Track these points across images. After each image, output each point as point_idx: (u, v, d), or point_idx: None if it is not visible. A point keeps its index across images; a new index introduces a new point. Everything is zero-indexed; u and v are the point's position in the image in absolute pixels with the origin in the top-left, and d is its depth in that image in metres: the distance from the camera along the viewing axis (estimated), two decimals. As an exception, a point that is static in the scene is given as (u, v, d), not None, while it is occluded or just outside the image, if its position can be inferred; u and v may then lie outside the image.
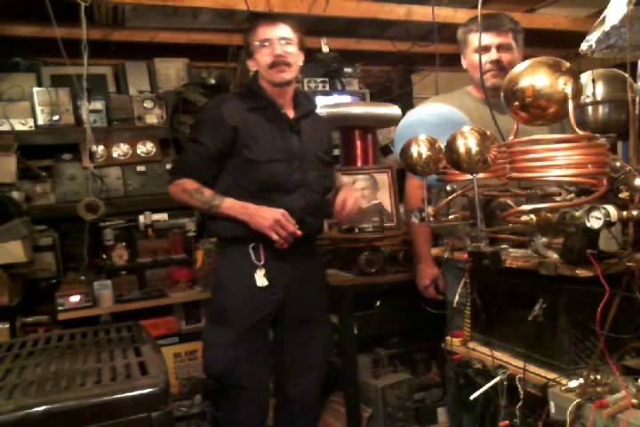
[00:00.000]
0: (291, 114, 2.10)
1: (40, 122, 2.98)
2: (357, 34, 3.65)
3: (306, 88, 3.46)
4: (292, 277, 2.05)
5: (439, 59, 2.20)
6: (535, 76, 1.19)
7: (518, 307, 1.38)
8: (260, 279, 1.99)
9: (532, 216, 1.21)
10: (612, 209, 1.08)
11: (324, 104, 2.74)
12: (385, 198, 2.53)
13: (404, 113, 2.17)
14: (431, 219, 1.45)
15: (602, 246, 1.15)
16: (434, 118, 1.63)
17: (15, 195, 2.69)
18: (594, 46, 1.64)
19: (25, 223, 2.59)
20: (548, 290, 1.28)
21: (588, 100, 1.51)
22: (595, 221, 1.10)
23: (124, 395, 1.21)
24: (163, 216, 3.07)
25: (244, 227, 1.96)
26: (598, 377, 1.16)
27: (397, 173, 2.54)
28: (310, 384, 2.17)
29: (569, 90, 1.17)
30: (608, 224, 1.09)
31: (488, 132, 1.22)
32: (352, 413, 2.49)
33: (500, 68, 2.08)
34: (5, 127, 2.91)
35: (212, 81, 3.30)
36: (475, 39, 2.08)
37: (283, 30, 2.00)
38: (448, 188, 1.48)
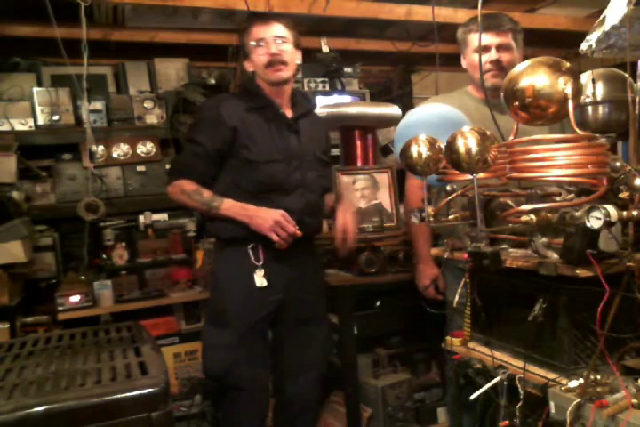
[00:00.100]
0: (289, 113, 2.09)
1: (40, 122, 2.98)
2: (357, 34, 3.65)
3: (306, 88, 3.46)
4: (290, 277, 2.05)
5: (439, 59, 2.20)
6: (535, 76, 1.19)
7: (518, 307, 1.38)
8: (260, 280, 1.99)
9: (532, 216, 1.21)
10: (612, 209, 1.08)
11: (324, 104, 2.75)
12: (385, 198, 2.53)
13: (404, 113, 2.17)
14: (431, 219, 1.45)
15: (602, 246, 1.15)
16: (434, 118, 1.63)
17: (15, 195, 2.69)
18: (594, 46, 1.64)
19: (25, 223, 2.59)
20: (548, 290, 1.28)
21: (588, 100, 1.51)
22: (595, 221, 1.10)
23: (123, 395, 1.21)
24: (163, 216, 3.07)
25: (243, 227, 1.95)
26: (598, 377, 1.16)
27: (397, 173, 2.54)
28: (309, 384, 2.17)
29: (569, 90, 1.17)
30: (608, 224, 1.09)
31: (488, 133, 1.22)
32: (352, 413, 2.49)
33: (500, 68, 2.08)
34: (5, 127, 2.91)
35: (212, 81, 3.30)
36: (474, 39, 2.08)
37: (277, 29, 2.00)
38: (448, 188, 1.48)
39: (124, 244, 2.94)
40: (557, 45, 3.71)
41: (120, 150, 3.11)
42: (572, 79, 1.18)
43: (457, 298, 1.58)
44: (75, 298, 2.66)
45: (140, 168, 3.14)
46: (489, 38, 2.08)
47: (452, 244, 1.54)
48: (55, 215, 2.96)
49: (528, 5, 3.48)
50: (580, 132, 1.20)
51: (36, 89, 3.00)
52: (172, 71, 3.38)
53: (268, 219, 1.91)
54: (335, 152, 2.90)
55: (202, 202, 1.98)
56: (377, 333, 2.63)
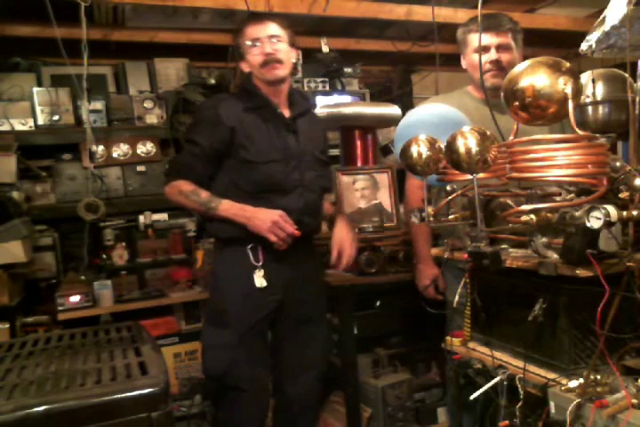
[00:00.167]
0: (287, 113, 2.09)
1: (40, 122, 2.98)
2: (357, 34, 3.65)
3: (306, 88, 3.46)
4: (290, 277, 2.05)
5: (439, 59, 2.20)
6: (535, 76, 1.19)
7: (518, 307, 1.38)
8: (259, 280, 1.98)
9: (532, 216, 1.21)
10: (612, 209, 1.08)
11: (324, 104, 2.75)
12: (385, 198, 2.53)
13: (404, 113, 2.17)
14: (431, 219, 1.45)
15: (602, 246, 1.15)
16: (434, 118, 1.63)
17: (15, 195, 2.69)
18: (594, 46, 1.64)
19: (25, 223, 2.59)
20: (548, 290, 1.28)
21: (588, 100, 1.51)
22: (595, 221, 1.10)
23: (123, 395, 1.21)
24: (163, 216, 3.06)
25: (242, 228, 1.95)
26: (598, 377, 1.16)
27: (397, 173, 2.54)
28: (309, 384, 2.16)
29: (569, 90, 1.17)
30: (608, 224, 1.09)
31: (488, 132, 1.22)
32: (352, 413, 2.49)
33: (500, 68, 2.08)
34: (5, 127, 2.91)
35: (212, 81, 3.30)
36: (474, 39, 2.08)
37: (271, 28, 1.99)
38: (448, 188, 1.48)
39: (123, 244, 2.94)
40: (557, 45, 3.71)
41: (120, 150, 3.11)
42: (572, 79, 1.18)
43: (457, 298, 1.58)
44: (75, 298, 2.66)
45: (140, 168, 3.14)
46: (489, 38, 2.07)
47: (452, 244, 1.54)
48: (55, 215, 2.96)
49: (528, 5, 3.49)
50: (580, 132, 1.20)
51: (35, 89, 3.00)
52: (171, 71, 3.38)
53: (266, 220, 1.91)
54: (335, 152, 2.91)
55: (199, 203, 1.97)
56: (377, 333, 2.63)
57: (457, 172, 1.30)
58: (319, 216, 2.18)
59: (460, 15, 3.09)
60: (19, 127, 2.94)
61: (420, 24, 3.21)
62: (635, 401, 1.08)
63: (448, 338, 1.59)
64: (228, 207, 1.96)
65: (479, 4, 1.44)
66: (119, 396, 1.20)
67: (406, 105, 3.85)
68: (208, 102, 2.19)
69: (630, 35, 1.50)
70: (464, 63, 2.21)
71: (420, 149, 1.38)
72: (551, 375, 1.26)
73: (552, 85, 1.17)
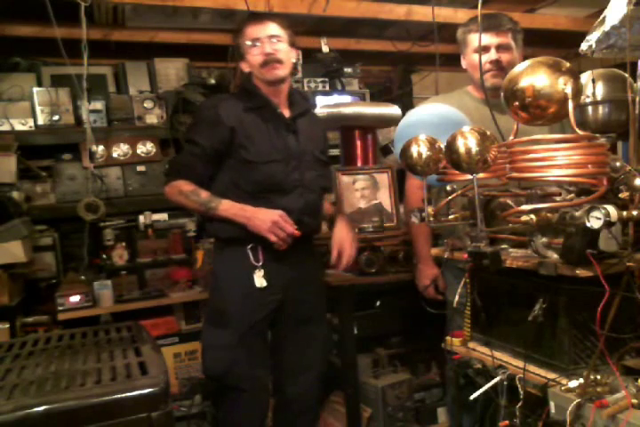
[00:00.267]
0: (287, 113, 2.09)
1: (40, 122, 2.98)
2: (357, 34, 3.65)
3: (306, 88, 3.46)
4: (290, 277, 2.05)
5: (439, 59, 2.20)
6: (535, 76, 1.19)
7: (518, 307, 1.38)
8: (259, 280, 1.98)
9: (532, 216, 1.21)
10: (612, 209, 1.08)
11: (324, 104, 2.75)
12: (385, 198, 2.53)
13: (404, 113, 2.17)
14: (431, 219, 1.45)
15: (602, 246, 1.15)
16: (434, 118, 1.63)
17: (15, 195, 2.69)
18: (594, 46, 1.64)
19: (25, 223, 2.59)
20: (548, 290, 1.28)
21: (588, 100, 1.51)
22: (595, 221, 1.10)
23: (123, 395, 1.21)
24: (163, 216, 3.07)
25: (242, 228, 1.95)
26: (598, 377, 1.16)
27: (397, 173, 2.54)
28: (309, 384, 2.16)
29: (569, 90, 1.17)
30: (608, 224, 1.09)
31: (488, 132, 1.22)
32: (352, 413, 2.49)
33: (500, 68, 2.08)
34: (5, 127, 2.91)
35: (212, 81, 3.30)
36: (474, 39, 2.08)
37: (271, 28, 1.99)
38: (448, 188, 1.48)
39: (123, 244, 2.94)
40: (557, 45, 3.71)
41: (120, 150, 3.11)
42: (572, 79, 1.18)
43: (457, 298, 1.58)
44: (75, 298, 2.66)
45: (140, 168, 3.14)
46: (489, 38, 2.07)
47: (452, 244, 1.54)
48: (55, 215, 2.96)
49: (528, 5, 3.49)
50: (580, 132, 1.20)
51: (35, 89, 3.00)
52: (171, 71, 3.38)
53: (266, 220, 1.91)
54: (335, 152, 2.90)
55: (199, 203, 1.97)
56: (377, 333, 2.63)
57: (457, 172, 1.30)
58: (319, 216, 2.18)
59: (459, 15, 3.09)
60: (19, 127, 2.94)
61: (420, 24, 3.21)
62: (635, 401, 1.08)
63: (448, 338, 1.59)
64: (227, 207, 1.96)
65: (479, 4, 1.44)
66: (119, 396, 1.20)
67: (406, 105, 3.85)
68: (208, 102, 2.18)
69: (630, 35, 1.50)
70: (464, 63, 2.21)
71: (420, 149, 1.38)
72: (551, 375, 1.26)
73: (552, 85, 1.17)
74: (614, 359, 1.21)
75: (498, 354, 1.43)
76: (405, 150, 1.41)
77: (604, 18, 1.59)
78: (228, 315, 2.01)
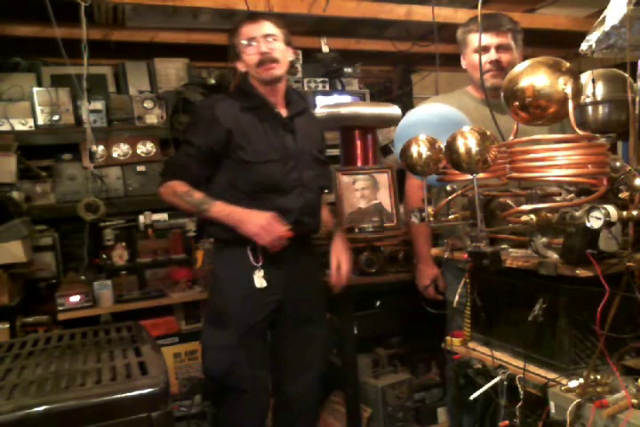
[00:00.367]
0: (284, 112, 2.08)
1: (40, 122, 2.97)
2: (357, 34, 3.65)
3: (306, 88, 3.46)
4: (289, 277, 2.05)
5: (439, 59, 2.20)
6: (535, 76, 1.19)
7: (518, 307, 1.38)
8: (259, 280, 1.98)
9: (532, 216, 1.21)
10: (612, 209, 1.08)
11: (324, 104, 2.75)
12: (385, 198, 2.53)
13: (404, 113, 2.17)
14: (431, 219, 1.45)
15: (602, 246, 1.15)
16: (434, 118, 1.63)
17: (15, 195, 2.69)
18: (594, 46, 1.64)
19: (25, 223, 2.59)
20: (548, 290, 1.28)
21: (588, 100, 1.51)
22: (595, 221, 1.10)
23: (123, 395, 1.21)
24: (163, 216, 3.06)
25: None
26: (598, 377, 1.16)
27: (397, 173, 2.54)
28: (309, 384, 2.16)
29: (569, 90, 1.17)
30: (608, 224, 1.09)
31: (488, 133, 1.22)
32: (352, 413, 2.49)
33: (499, 68, 2.08)
34: (5, 127, 2.91)
35: (212, 81, 3.30)
36: (474, 39, 2.08)
37: (266, 27, 1.99)
38: (448, 188, 1.48)
39: (123, 244, 2.94)
40: (557, 45, 3.71)
41: (120, 150, 3.11)
42: (572, 79, 1.18)
43: (457, 298, 1.58)
44: (75, 298, 2.66)
45: (140, 168, 3.14)
46: (488, 38, 2.07)
47: (452, 244, 1.54)
48: (55, 215, 2.96)
49: (528, 5, 3.49)
50: (580, 132, 1.20)
51: (35, 89, 3.00)
52: (171, 71, 3.38)
53: (256, 223, 1.90)
54: (335, 152, 2.90)
55: (192, 204, 1.96)
56: (377, 333, 2.63)
57: (457, 172, 1.30)
58: (318, 215, 2.18)
59: (459, 15, 3.09)
60: (19, 127, 2.94)
61: (420, 24, 3.22)
62: (635, 401, 1.08)
63: (448, 338, 1.59)
64: (219, 209, 1.95)
65: (479, 4, 1.44)
66: (119, 396, 1.20)
67: (406, 105, 3.85)
68: (205, 103, 2.18)
69: (630, 35, 1.50)
70: (464, 63, 2.21)
71: (420, 149, 1.38)
72: (551, 375, 1.26)
73: (552, 85, 1.17)
74: (614, 359, 1.21)
75: (498, 354, 1.43)
76: (405, 150, 1.41)
77: (604, 18, 1.59)
78: (227, 316, 2.00)
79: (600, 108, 1.51)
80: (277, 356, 2.15)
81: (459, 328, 1.64)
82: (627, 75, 1.46)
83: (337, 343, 2.52)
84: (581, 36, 1.68)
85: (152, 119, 3.21)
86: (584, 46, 1.67)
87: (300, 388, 2.14)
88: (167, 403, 1.24)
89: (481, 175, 1.26)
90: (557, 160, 1.15)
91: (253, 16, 2.10)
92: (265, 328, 2.09)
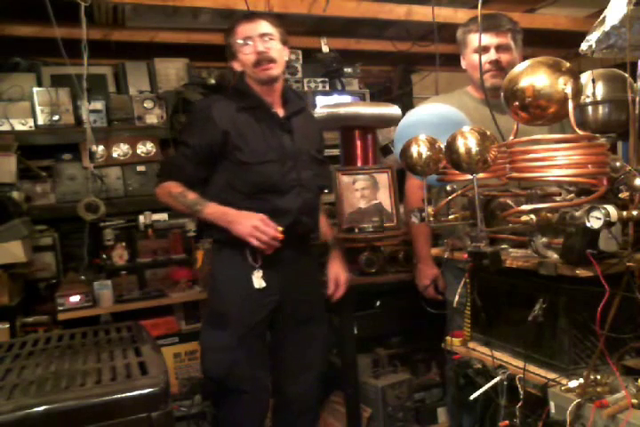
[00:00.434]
0: (281, 112, 2.08)
1: (40, 122, 2.97)
2: (357, 34, 3.65)
3: (306, 88, 3.46)
4: (288, 277, 2.04)
5: (439, 59, 2.20)
6: (535, 76, 1.19)
7: (518, 307, 1.38)
8: (258, 281, 1.98)
9: (532, 216, 1.21)
10: (612, 209, 1.08)
11: (324, 104, 2.74)
12: (385, 198, 2.53)
13: (404, 113, 2.17)
14: (431, 219, 1.45)
15: (602, 246, 1.15)
16: (434, 118, 1.63)
17: (15, 195, 2.69)
18: (594, 46, 1.64)
19: (25, 223, 2.59)
20: (548, 290, 1.28)
21: (588, 100, 1.51)
22: (595, 221, 1.10)
23: (124, 395, 1.21)
24: (163, 216, 3.06)
25: None
26: (598, 377, 1.16)
27: (397, 173, 2.54)
28: (309, 384, 2.16)
29: (569, 90, 1.17)
30: (608, 224, 1.09)
31: (488, 132, 1.22)
32: (352, 413, 2.49)
33: (499, 68, 2.08)
34: (5, 127, 2.91)
35: (212, 81, 3.30)
36: (474, 39, 2.09)
37: (263, 27, 1.98)
38: (448, 188, 1.48)
39: (123, 244, 2.94)
40: (557, 45, 3.71)
41: (120, 150, 3.11)
42: (572, 79, 1.18)
43: (457, 298, 1.58)
44: (75, 298, 2.66)
45: (140, 168, 3.14)
46: (488, 39, 2.08)
47: (452, 244, 1.54)
48: (55, 215, 2.96)
49: (528, 5, 3.49)
50: (580, 132, 1.20)
51: (35, 89, 3.00)
52: (171, 71, 3.38)
53: (247, 224, 1.89)
54: (335, 152, 2.90)
55: (186, 205, 1.96)
56: (377, 333, 2.63)
57: (457, 172, 1.30)
58: (317, 215, 2.18)
59: (459, 15, 3.09)
60: (19, 127, 2.94)
61: (420, 24, 3.22)
62: (635, 401, 1.08)
63: (448, 338, 1.59)
64: (212, 211, 1.94)
65: (479, 4, 1.44)
66: (119, 396, 1.20)
67: (406, 105, 3.85)
68: (201, 104, 2.18)
69: (630, 35, 1.50)
70: (464, 63, 2.21)
71: (420, 149, 1.38)
72: (551, 375, 1.26)
73: (552, 85, 1.17)
74: (614, 359, 1.21)
75: (498, 354, 1.43)
76: (405, 150, 1.41)
77: (604, 18, 1.59)
78: (227, 316, 2.00)
79: (600, 108, 1.51)
80: (277, 356, 2.15)
81: (459, 328, 1.64)
82: (627, 75, 1.46)
83: (337, 343, 2.52)
84: (581, 36, 1.68)
85: (152, 119, 3.21)
86: (584, 46, 1.67)
87: (300, 388, 2.14)
88: (167, 403, 1.24)
89: (481, 175, 1.26)
90: (557, 160, 1.15)
91: (249, 15, 2.09)
92: (264, 329, 2.09)
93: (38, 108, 2.97)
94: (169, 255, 3.05)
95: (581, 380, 1.17)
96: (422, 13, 3.09)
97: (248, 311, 2.00)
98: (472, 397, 1.42)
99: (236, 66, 2.06)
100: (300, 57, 3.54)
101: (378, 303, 2.57)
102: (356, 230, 2.45)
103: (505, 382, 1.35)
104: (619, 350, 1.24)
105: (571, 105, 1.17)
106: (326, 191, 2.34)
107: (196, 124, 2.02)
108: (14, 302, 2.51)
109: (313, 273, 2.21)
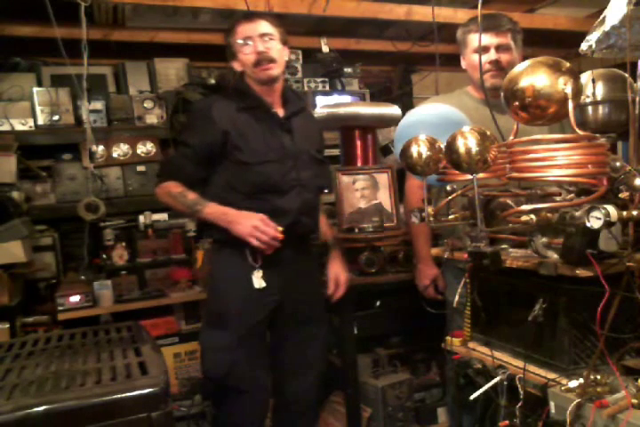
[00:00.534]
0: (280, 112, 2.08)
1: (40, 122, 2.97)
2: (357, 34, 3.65)
3: (306, 88, 3.46)
4: (288, 277, 2.04)
5: (439, 59, 2.20)
6: (535, 76, 1.19)
7: (518, 307, 1.38)
8: (258, 281, 1.98)
9: (532, 216, 1.21)
10: (612, 209, 1.08)
11: (324, 104, 2.74)
12: (385, 198, 2.53)
13: (404, 113, 2.17)
14: (431, 219, 1.45)
15: (602, 246, 1.15)
16: (434, 118, 1.63)
17: (15, 195, 2.69)
18: (594, 46, 1.64)
19: (25, 223, 2.59)
20: (548, 290, 1.28)
21: (588, 100, 1.51)
22: (595, 221, 1.10)
23: (124, 395, 1.21)
24: (163, 216, 3.06)
25: None
26: (598, 377, 1.16)
27: (397, 173, 2.54)
28: (309, 384, 2.16)
29: (569, 90, 1.17)
30: (608, 224, 1.09)
31: (488, 132, 1.22)
32: (352, 413, 2.49)
33: (499, 68, 2.08)
34: (5, 127, 2.91)
35: (212, 81, 3.30)
36: (474, 39, 2.09)
37: (263, 26, 1.98)
38: (448, 188, 1.48)
39: (123, 244, 2.94)
40: (557, 45, 3.71)
41: (120, 150, 3.11)
42: (572, 79, 1.18)
43: (457, 298, 1.58)
44: (75, 298, 2.66)
45: (140, 168, 3.14)
46: (488, 39, 2.07)
47: (452, 244, 1.54)
48: (55, 215, 2.96)
49: (528, 5, 3.49)
50: (580, 133, 1.20)
51: (35, 89, 2.99)
52: (171, 71, 3.38)
53: (247, 224, 1.89)
54: (335, 152, 2.90)
55: (186, 205, 1.96)
56: (377, 333, 2.63)
57: (457, 172, 1.30)
58: (317, 215, 2.18)
59: (459, 15, 3.09)
60: (19, 127, 2.94)
61: (420, 24, 3.22)
62: (635, 401, 1.08)
63: (448, 338, 1.59)
64: (212, 211, 1.94)
65: (479, 4, 1.44)
66: (119, 396, 1.20)
67: (406, 105, 3.85)
68: (200, 104, 2.18)
69: (630, 35, 1.50)
70: (464, 63, 2.21)
71: (420, 149, 1.38)
72: (551, 375, 1.26)
73: (552, 85, 1.17)
74: (614, 359, 1.21)
75: (498, 354, 1.43)
76: (405, 150, 1.41)
77: (604, 18, 1.59)
78: (227, 316, 2.00)
79: (600, 108, 1.51)
80: (277, 356, 2.15)
81: (459, 328, 1.64)
82: (627, 75, 1.46)
83: (337, 343, 2.52)
84: (581, 36, 1.68)
85: (152, 119, 3.21)
86: (584, 46, 1.67)
87: (300, 388, 2.14)
88: (167, 403, 1.24)
89: (481, 175, 1.26)
90: (557, 160, 1.15)
91: (249, 15, 2.09)
92: (264, 328, 2.08)
93: (38, 108, 2.97)
94: (169, 255, 3.05)
95: (581, 380, 1.17)
96: (422, 13, 3.09)
97: (248, 311, 2.00)
98: (472, 397, 1.42)
99: (236, 66, 2.06)
100: (300, 57, 3.54)
101: (378, 303, 2.57)
102: (356, 230, 2.45)
103: (505, 382, 1.35)
104: (619, 350, 1.24)
105: (571, 105, 1.17)
106: (326, 191, 2.34)
107: (196, 124, 2.02)
108: (14, 302, 2.51)
109: (313, 273, 2.21)
